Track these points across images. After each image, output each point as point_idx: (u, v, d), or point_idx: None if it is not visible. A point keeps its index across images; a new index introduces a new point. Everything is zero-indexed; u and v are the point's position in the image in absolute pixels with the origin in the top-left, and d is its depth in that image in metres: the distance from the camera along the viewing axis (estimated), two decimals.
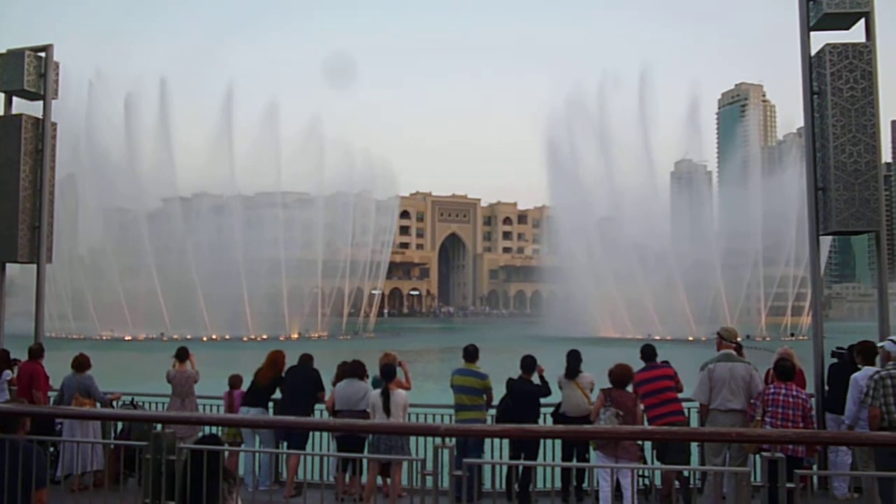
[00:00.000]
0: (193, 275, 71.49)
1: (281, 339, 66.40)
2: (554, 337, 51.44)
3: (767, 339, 64.52)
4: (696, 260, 74.85)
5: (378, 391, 10.71)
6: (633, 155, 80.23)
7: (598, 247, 76.26)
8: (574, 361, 11.31)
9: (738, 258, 74.68)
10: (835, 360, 10.92)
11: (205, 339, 64.56)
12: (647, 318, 72.12)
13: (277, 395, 12.06)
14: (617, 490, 9.38)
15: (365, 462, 10.65)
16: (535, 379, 11.34)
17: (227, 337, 67.75)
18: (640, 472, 10.62)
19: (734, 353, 10.40)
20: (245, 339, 67.30)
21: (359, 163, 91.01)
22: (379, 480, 10.93)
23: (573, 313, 74.86)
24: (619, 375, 9.95)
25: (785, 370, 9.55)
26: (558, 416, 11.23)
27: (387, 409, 10.39)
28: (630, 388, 10.19)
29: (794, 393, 9.34)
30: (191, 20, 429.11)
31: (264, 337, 67.28)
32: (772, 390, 9.45)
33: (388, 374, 10.82)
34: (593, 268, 75.64)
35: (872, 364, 9.37)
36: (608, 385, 10.11)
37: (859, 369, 9.47)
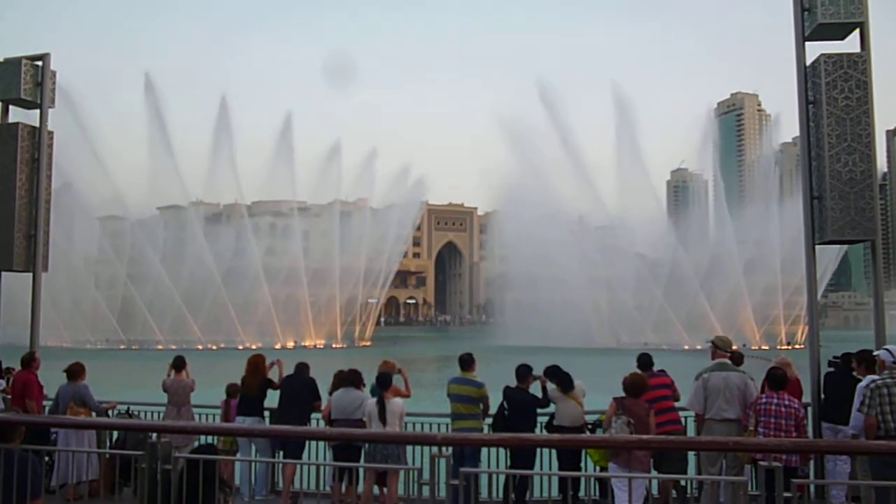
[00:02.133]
0: (171, 284, 71.29)
1: (276, 347, 66.22)
2: (546, 347, 51.24)
3: (765, 348, 64.50)
4: (690, 268, 74.84)
5: (374, 400, 10.67)
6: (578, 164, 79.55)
7: (594, 256, 76.21)
8: (566, 375, 11.21)
9: (732, 267, 74.62)
10: (831, 370, 10.91)
11: (200, 347, 64.39)
12: (641, 327, 72.02)
13: (273, 403, 12.02)
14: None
15: (361, 471, 10.60)
16: (534, 388, 11.27)
17: (222, 345, 67.53)
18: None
19: (729, 362, 10.38)
20: (241, 347, 67.09)
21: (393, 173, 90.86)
22: (375, 490, 10.88)
23: (566, 322, 74.60)
24: (633, 385, 9.81)
25: (776, 379, 9.52)
26: (553, 428, 11.15)
27: (383, 418, 10.35)
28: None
29: (787, 402, 9.32)
30: (190, 21, 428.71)
31: (259, 346, 67.05)
32: (764, 400, 9.43)
33: (384, 382, 10.78)
34: (582, 276, 75.51)
35: (874, 372, 9.32)
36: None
37: (856, 378, 9.45)
